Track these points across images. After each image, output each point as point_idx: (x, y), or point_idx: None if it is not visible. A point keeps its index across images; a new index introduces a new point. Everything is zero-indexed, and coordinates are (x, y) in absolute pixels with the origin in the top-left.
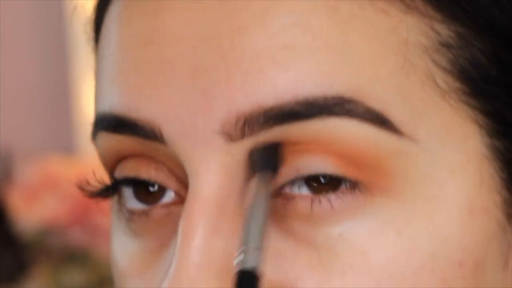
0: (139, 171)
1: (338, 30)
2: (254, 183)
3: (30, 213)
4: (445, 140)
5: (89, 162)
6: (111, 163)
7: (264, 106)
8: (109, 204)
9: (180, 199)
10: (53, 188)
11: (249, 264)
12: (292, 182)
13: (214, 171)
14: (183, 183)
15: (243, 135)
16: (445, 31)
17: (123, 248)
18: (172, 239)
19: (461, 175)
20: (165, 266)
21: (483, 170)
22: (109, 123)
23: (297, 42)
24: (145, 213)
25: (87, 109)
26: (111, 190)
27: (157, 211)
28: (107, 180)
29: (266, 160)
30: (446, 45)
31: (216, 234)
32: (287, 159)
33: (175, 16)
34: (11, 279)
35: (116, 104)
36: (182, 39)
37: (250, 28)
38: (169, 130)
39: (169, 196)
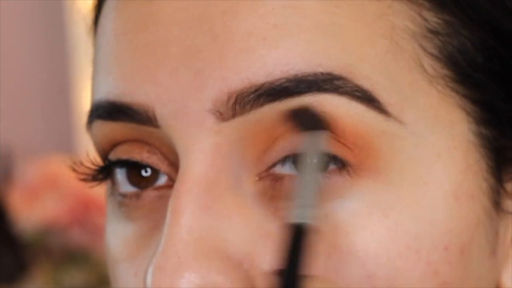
0: (132, 153)
1: (327, 12)
2: (305, 142)
3: (30, 213)
4: (432, 125)
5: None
6: (105, 150)
7: (255, 82)
8: None
9: (172, 183)
10: (53, 188)
11: (303, 219)
12: (283, 160)
13: (205, 150)
14: (175, 166)
15: (234, 114)
16: (433, 18)
17: (115, 234)
18: (162, 221)
19: (447, 160)
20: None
21: (470, 156)
22: (104, 110)
23: (287, 22)
24: (136, 196)
25: (87, 109)
26: (105, 172)
27: (149, 193)
28: (100, 163)
29: (315, 120)
30: (434, 32)
31: (205, 212)
32: (277, 138)
33: (169, 1)
34: (11, 279)
35: (112, 91)
36: (176, 23)
37: (241, 10)
38: (162, 112)
39: (161, 181)
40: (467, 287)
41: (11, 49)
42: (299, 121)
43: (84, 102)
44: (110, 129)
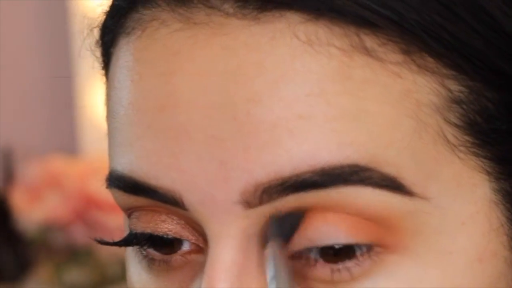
0: (156, 225)
1: (352, 98)
2: (269, 251)
3: (33, 212)
4: (455, 193)
5: (91, 161)
6: (126, 211)
7: (281, 175)
8: (110, 202)
9: (197, 248)
10: (55, 187)
11: None
12: (307, 250)
13: (233, 235)
14: (199, 232)
15: (261, 202)
16: (455, 86)
17: (142, 283)
18: (190, 285)
19: (471, 227)
20: None
21: (492, 216)
22: (126, 185)
23: (312, 112)
24: (164, 261)
25: (89, 109)
26: (128, 242)
27: (176, 259)
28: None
29: (280, 228)
30: (457, 101)
31: None
32: (300, 228)
33: (187, 80)
34: (14, 277)
35: (135, 170)
36: (197, 107)
37: (264, 98)
38: (189, 198)
39: (186, 245)
40: None
41: (12, 49)
42: (268, 229)
43: (87, 102)
44: (133, 199)
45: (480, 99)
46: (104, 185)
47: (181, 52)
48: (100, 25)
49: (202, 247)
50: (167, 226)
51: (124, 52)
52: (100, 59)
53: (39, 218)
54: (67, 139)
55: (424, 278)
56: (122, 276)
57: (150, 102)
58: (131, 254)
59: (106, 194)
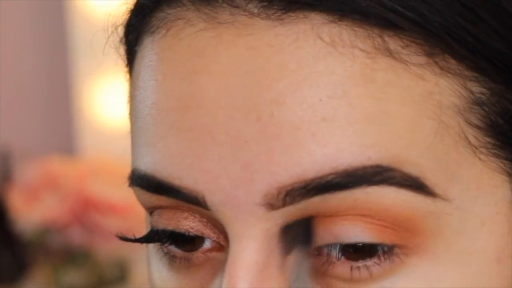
0: (178, 222)
1: (375, 100)
2: (293, 259)
3: (30, 213)
4: (476, 195)
5: (89, 163)
6: (149, 209)
7: (304, 178)
8: (108, 204)
9: (218, 246)
10: (53, 188)
11: None
12: (330, 245)
13: (255, 237)
14: (220, 230)
15: (284, 204)
16: (477, 88)
17: (163, 280)
18: (210, 282)
19: (491, 227)
20: None
21: (511, 216)
22: (150, 185)
23: (335, 115)
24: (186, 259)
25: (87, 110)
26: (150, 239)
27: (197, 256)
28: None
29: (303, 236)
30: (478, 103)
31: None
32: (325, 225)
33: (211, 81)
34: (11, 279)
35: (158, 170)
36: (220, 108)
37: (288, 100)
38: (212, 199)
39: (207, 243)
40: None
41: (11, 49)
42: (290, 237)
43: (85, 103)
44: (155, 198)
45: (502, 101)
46: (102, 184)
47: (205, 52)
48: (124, 23)
49: (223, 245)
50: (189, 223)
51: (149, 51)
52: (124, 57)
53: (36, 219)
54: (65, 141)
55: (443, 279)
56: (120, 277)
57: (173, 102)
58: (152, 251)
59: (104, 196)
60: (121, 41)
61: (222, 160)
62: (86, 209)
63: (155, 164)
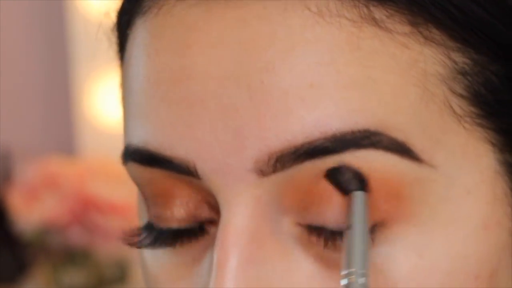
0: (175, 206)
1: (362, 67)
2: (351, 203)
3: (30, 213)
4: (461, 163)
5: (89, 163)
6: (145, 194)
7: (294, 143)
8: (107, 204)
9: (213, 219)
10: (52, 188)
11: None
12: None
13: (246, 203)
14: (215, 208)
15: (274, 170)
16: (461, 58)
17: (154, 256)
18: (203, 254)
19: (476, 195)
20: (198, 283)
21: (496, 186)
22: (142, 157)
23: (323, 81)
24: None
25: (87, 109)
26: (153, 244)
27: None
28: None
29: (355, 180)
30: (462, 73)
31: (249, 263)
32: (314, 199)
33: (202, 52)
34: (11, 279)
35: (150, 142)
36: (211, 77)
37: (277, 67)
38: (203, 167)
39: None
40: None
41: (11, 49)
42: (339, 182)
43: (85, 102)
44: (149, 172)
45: (485, 72)
46: (102, 183)
47: (196, 26)
48: (117, 10)
49: (216, 220)
50: (186, 211)
51: (141, 31)
52: (116, 42)
53: (36, 219)
54: (64, 140)
55: (429, 246)
56: (120, 277)
57: (165, 74)
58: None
59: (104, 196)
60: (113, 28)
61: (213, 128)
62: (86, 209)
63: (147, 136)
